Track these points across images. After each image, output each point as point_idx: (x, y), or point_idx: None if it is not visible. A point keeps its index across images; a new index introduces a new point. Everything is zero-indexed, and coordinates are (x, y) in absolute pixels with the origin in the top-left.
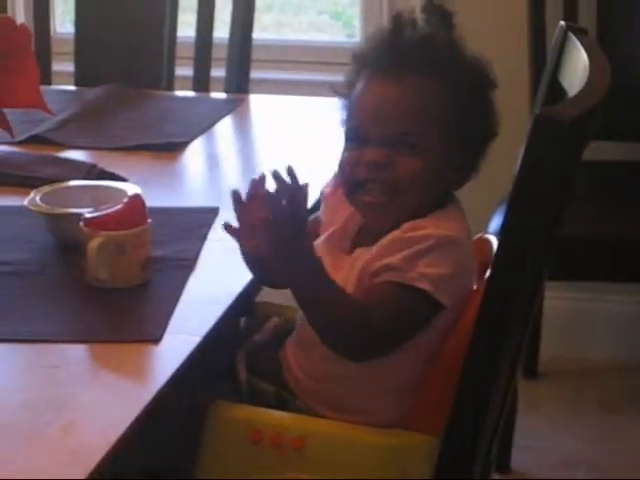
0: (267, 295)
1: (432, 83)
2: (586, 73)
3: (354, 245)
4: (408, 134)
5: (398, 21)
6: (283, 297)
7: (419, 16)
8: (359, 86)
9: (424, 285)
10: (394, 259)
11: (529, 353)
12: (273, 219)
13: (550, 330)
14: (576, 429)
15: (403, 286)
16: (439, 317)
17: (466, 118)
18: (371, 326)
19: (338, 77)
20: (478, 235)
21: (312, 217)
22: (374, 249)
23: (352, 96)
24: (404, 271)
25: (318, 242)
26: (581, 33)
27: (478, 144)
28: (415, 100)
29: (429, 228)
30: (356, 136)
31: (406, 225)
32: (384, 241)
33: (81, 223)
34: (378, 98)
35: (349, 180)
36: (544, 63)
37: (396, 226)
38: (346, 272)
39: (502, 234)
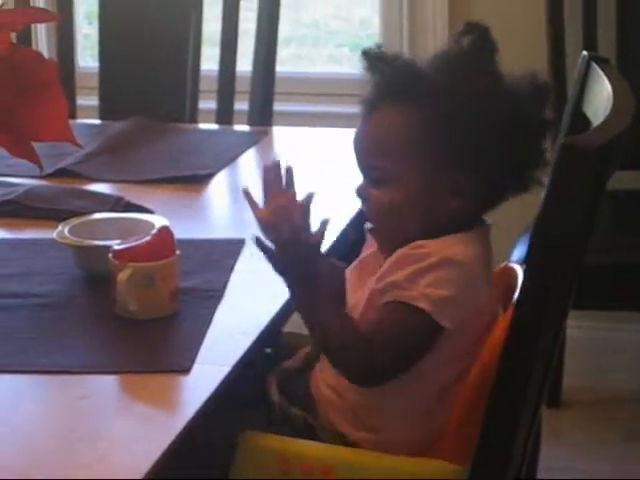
0: (293, 325)
1: (398, 115)
2: (610, 102)
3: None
4: (373, 168)
5: (377, 56)
6: None
7: (456, 36)
8: None
9: (424, 305)
10: (398, 276)
11: (552, 382)
12: (275, 245)
13: (572, 359)
14: (600, 459)
15: (405, 305)
16: (443, 340)
17: (451, 143)
18: (373, 355)
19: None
20: (503, 263)
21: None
22: (383, 266)
23: None
24: (406, 289)
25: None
26: (604, 62)
27: (483, 169)
28: (378, 134)
29: (430, 247)
30: None
31: (413, 243)
32: (392, 258)
33: (110, 255)
34: (356, 133)
35: None
36: (565, 94)
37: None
38: (363, 293)
39: (528, 263)
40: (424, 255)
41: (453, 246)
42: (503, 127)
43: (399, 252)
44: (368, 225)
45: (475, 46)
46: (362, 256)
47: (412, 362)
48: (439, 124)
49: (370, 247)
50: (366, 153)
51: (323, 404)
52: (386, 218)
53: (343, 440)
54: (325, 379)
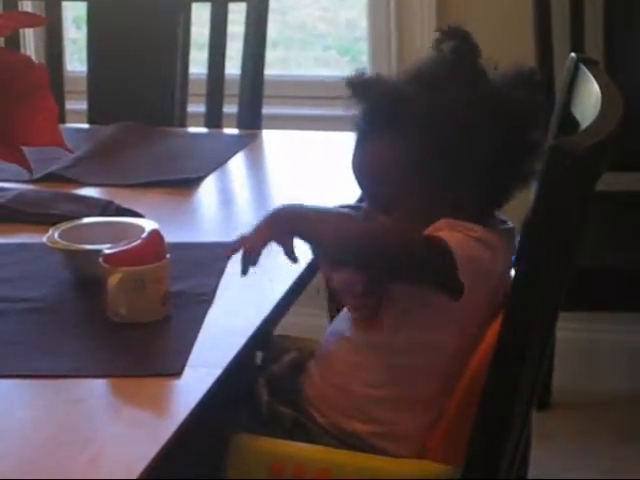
0: (284, 328)
1: (389, 143)
2: (598, 104)
3: None
4: (375, 195)
5: (360, 83)
6: (300, 330)
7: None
8: None
9: (448, 244)
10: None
11: (541, 384)
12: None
13: (562, 361)
14: (590, 460)
15: (428, 236)
16: (455, 313)
17: (444, 165)
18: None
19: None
20: None
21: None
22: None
23: None
24: (437, 229)
25: None
26: (592, 64)
27: (481, 181)
28: (374, 162)
29: (477, 227)
30: None
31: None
32: (437, 223)
33: (100, 259)
34: (353, 158)
35: None
36: (553, 96)
37: None
38: None
39: (517, 265)
40: (471, 228)
41: (491, 234)
42: (494, 136)
43: (444, 220)
44: None
45: (457, 53)
46: None
47: (381, 262)
48: (429, 148)
49: None
50: (366, 180)
51: (321, 402)
52: None
53: (335, 436)
54: (327, 379)
